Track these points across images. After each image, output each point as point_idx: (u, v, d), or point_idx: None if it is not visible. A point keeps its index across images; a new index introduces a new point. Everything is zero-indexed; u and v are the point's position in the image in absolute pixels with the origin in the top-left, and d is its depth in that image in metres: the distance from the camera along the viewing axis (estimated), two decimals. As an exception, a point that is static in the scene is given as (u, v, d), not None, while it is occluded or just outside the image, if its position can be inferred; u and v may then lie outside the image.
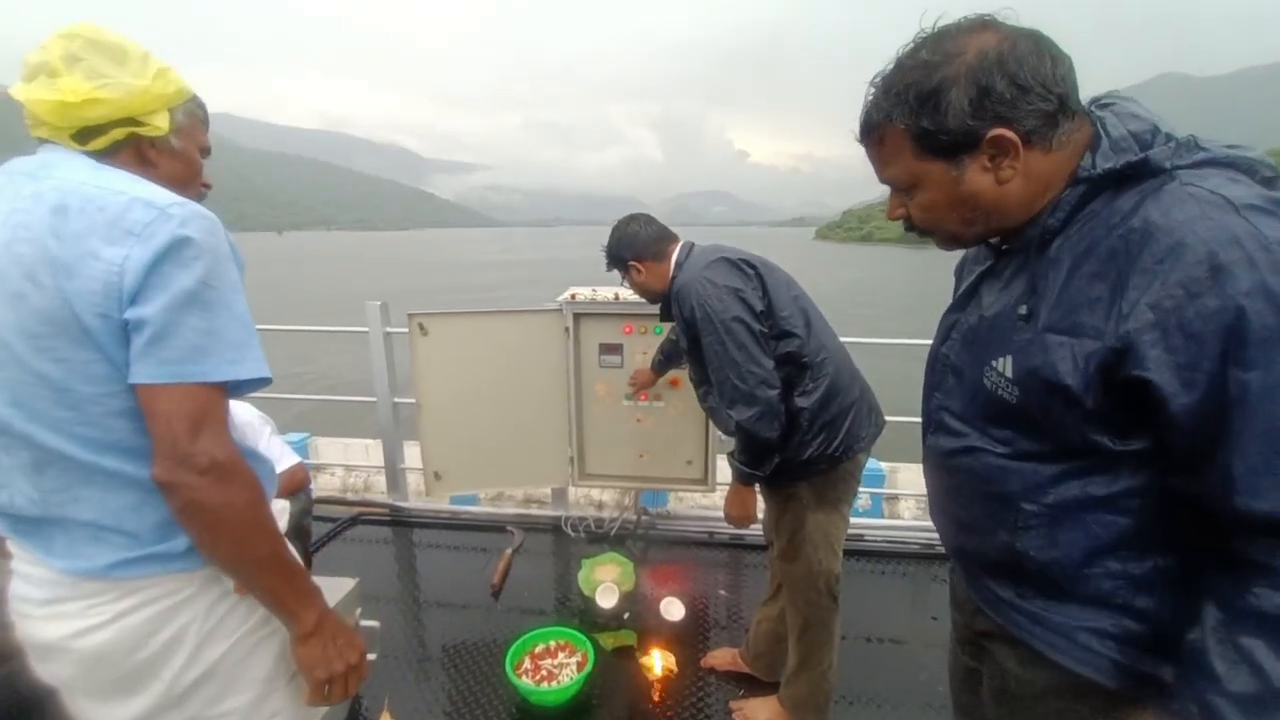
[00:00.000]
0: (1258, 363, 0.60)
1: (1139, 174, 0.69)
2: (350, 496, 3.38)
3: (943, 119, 0.71)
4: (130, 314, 0.75)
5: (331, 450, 4.39)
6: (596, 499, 3.47)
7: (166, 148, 0.90)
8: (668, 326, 2.40)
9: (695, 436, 2.71)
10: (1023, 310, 0.75)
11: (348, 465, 3.82)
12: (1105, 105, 0.75)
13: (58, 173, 0.80)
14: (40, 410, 0.78)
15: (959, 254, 1.01)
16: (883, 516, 3.29)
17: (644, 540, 2.82)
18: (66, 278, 0.74)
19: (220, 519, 0.79)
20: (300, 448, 4.04)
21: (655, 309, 1.81)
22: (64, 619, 0.83)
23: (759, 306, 1.49)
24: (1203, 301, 0.61)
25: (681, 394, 2.63)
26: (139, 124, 0.86)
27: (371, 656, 1.71)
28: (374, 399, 2.99)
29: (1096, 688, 0.78)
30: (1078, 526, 0.75)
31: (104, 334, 0.76)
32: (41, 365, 0.76)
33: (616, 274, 1.83)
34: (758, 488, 1.65)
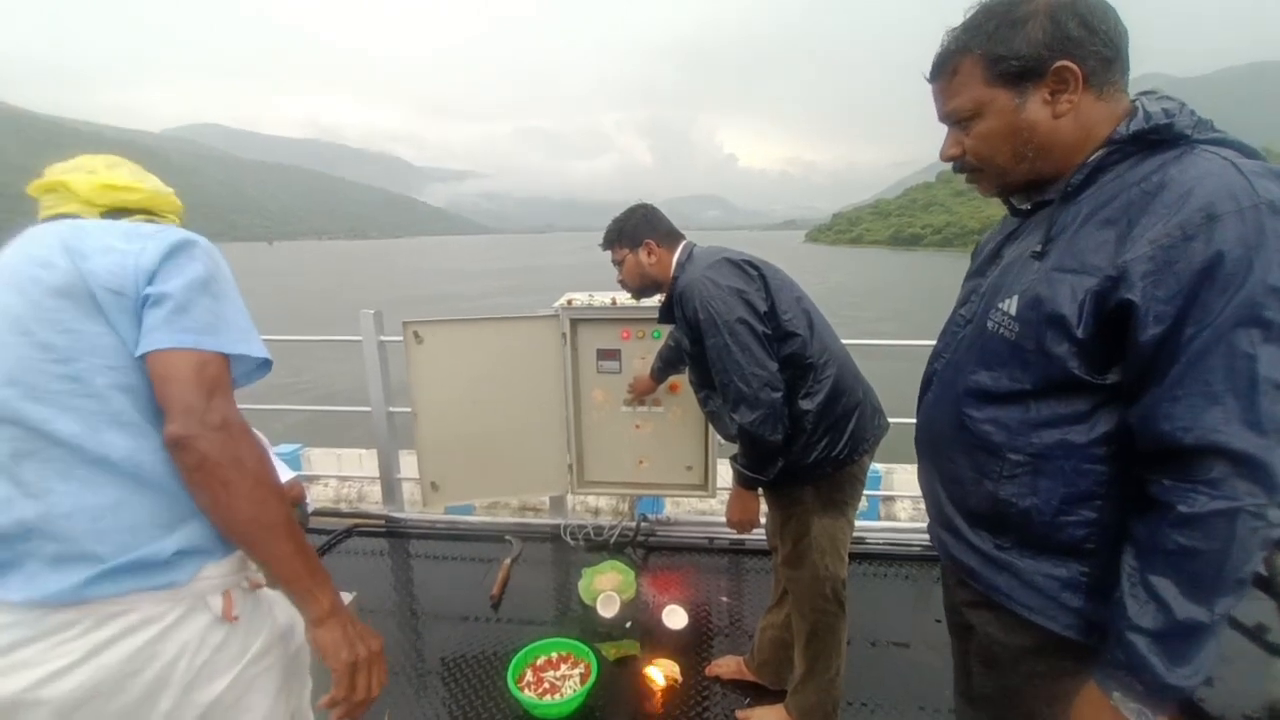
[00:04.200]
0: (1215, 306, 0.67)
1: (1163, 139, 0.76)
2: (344, 508, 3.34)
3: (1019, 46, 0.79)
4: (151, 290, 0.82)
5: (325, 461, 4.35)
6: (593, 506, 3.44)
7: None
8: (665, 330, 2.39)
9: (695, 441, 2.69)
10: (1036, 249, 0.82)
11: (341, 476, 3.79)
12: (1147, 93, 0.83)
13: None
14: (38, 385, 0.78)
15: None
16: (879, 518, 3.28)
17: (644, 547, 2.79)
18: (83, 259, 0.82)
19: (234, 476, 0.80)
20: (293, 459, 4.00)
21: (653, 314, 1.79)
22: (27, 667, 0.74)
23: (762, 308, 1.48)
24: (1193, 245, 0.68)
25: (681, 399, 2.61)
26: (159, 217, 1.03)
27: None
28: (368, 409, 2.96)
29: (1071, 645, 0.82)
30: (1056, 474, 0.80)
31: (115, 309, 0.81)
32: (47, 336, 0.79)
33: (614, 279, 1.81)
34: (760, 492, 1.62)
